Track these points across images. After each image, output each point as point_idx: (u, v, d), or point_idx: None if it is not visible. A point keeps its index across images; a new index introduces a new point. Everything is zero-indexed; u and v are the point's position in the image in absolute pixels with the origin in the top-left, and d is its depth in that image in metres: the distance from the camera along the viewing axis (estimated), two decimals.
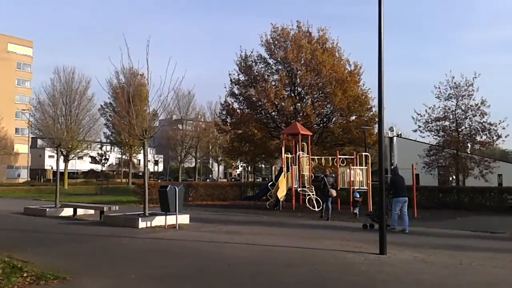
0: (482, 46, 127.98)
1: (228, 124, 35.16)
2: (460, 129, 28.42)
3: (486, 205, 23.32)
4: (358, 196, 17.53)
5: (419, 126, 29.59)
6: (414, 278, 7.43)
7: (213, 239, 11.70)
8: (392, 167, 17.29)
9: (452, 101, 28.55)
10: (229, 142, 39.83)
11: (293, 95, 32.73)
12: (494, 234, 13.93)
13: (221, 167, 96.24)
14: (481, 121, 28.00)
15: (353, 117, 32.74)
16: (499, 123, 27.53)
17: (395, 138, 44.20)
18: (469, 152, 30.27)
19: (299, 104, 32.66)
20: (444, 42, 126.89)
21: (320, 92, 33.11)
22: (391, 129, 46.69)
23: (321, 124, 34.53)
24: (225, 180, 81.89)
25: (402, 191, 13.96)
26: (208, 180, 76.35)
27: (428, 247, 10.58)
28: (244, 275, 7.67)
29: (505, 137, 27.99)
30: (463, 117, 28.29)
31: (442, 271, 7.91)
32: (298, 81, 32.53)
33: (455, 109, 28.39)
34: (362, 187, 20.78)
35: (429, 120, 29.12)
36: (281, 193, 21.98)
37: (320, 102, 33.29)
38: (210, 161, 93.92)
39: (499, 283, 7.14)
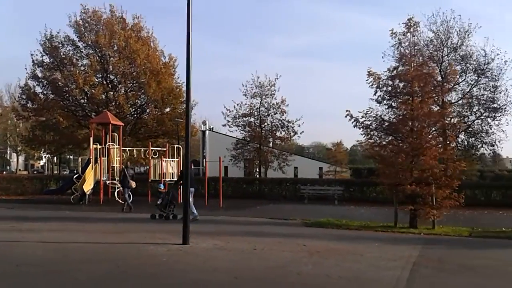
0: (283, 51, 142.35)
1: (29, 110, 31.46)
2: (263, 125, 31.09)
3: (283, 194, 26.15)
4: (163, 188, 17.72)
5: (228, 121, 31.43)
6: (211, 264, 7.86)
7: (3, 238, 10.38)
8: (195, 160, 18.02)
9: (257, 99, 31.04)
10: (29, 130, 35.68)
11: (105, 82, 31.04)
12: (287, 221, 15.69)
13: (21, 158, 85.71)
14: (281, 119, 31.08)
15: (167, 109, 32.78)
16: (296, 121, 31.01)
17: (207, 131, 46.30)
18: (270, 146, 33.38)
19: (111, 93, 31.16)
20: (253, 44, 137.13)
21: (134, 82, 32.20)
22: (204, 122, 48.58)
23: (135, 115, 33.69)
24: (25, 172, 73.28)
25: (191, 182, 14.31)
26: (4, 173, 67.27)
27: (228, 235, 11.34)
28: (35, 275, 7.01)
29: (300, 133, 31.71)
30: (266, 114, 30.98)
31: (237, 257, 8.57)
32: (111, 69, 30.97)
33: (259, 107, 30.95)
34: (173, 179, 21.01)
35: (237, 116, 31.15)
36: (88, 186, 20.75)
37: (134, 92, 32.38)
38: (8, 151, 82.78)
39: (286, 265, 8.03)
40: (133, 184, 18.36)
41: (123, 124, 25.36)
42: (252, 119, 31.22)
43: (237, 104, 31.21)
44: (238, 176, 31.06)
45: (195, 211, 14.62)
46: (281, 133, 31.56)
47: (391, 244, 10.97)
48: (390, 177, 14.46)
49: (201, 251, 9.01)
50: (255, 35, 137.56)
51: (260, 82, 30.93)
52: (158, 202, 15.43)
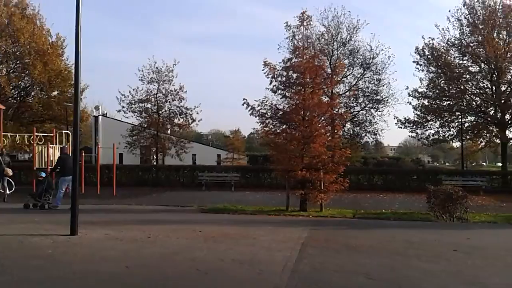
0: (182, 37, 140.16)
1: None
2: (160, 112, 30.39)
3: (180, 181, 25.96)
4: (44, 176, 16.57)
5: (123, 107, 30.17)
6: (101, 255, 7.58)
7: None
8: (61, 146, 17.17)
9: (154, 85, 30.18)
10: None
11: None
12: (183, 208, 15.65)
13: None
14: (179, 105, 30.59)
15: (55, 93, 30.55)
16: (194, 108, 30.78)
17: (100, 117, 43.97)
18: (168, 133, 32.79)
19: None
20: (150, 27, 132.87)
21: (18, 62, 29.61)
22: (96, 108, 46.02)
23: (18, 98, 30.99)
24: None
25: (68, 170, 13.24)
26: None
27: (121, 224, 10.98)
28: None
29: (199, 121, 31.53)
30: (164, 100, 30.29)
31: (129, 246, 8.36)
32: None
33: (157, 93, 30.15)
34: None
35: (133, 101, 30.03)
36: None
37: (17, 74, 29.75)
38: None
39: (180, 251, 8.02)
40: (10, 172, 17.03)
41: (4, 108, 23.13)
42: (149, 105, 30.34)
43: (133, 89, 30.10)
44: (133, 164, 30.13)
45: (59, 201, 13.95)
46: (179, 120, 31.16)
47: (282, 226, 11.52)
48: (283, 164, 15.13)
49: (90, 242, 8.63)
50: (153, 18, 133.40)
51: (157, 68, 30.14)
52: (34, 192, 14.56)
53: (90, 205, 14.78)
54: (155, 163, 31.72)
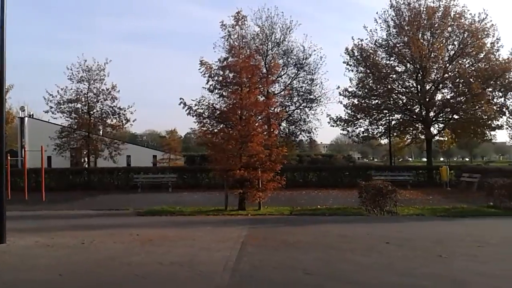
0: (114, 35, 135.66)
1: None
2: (92, 112, 29.19)
3: (114, 184, 25.13)
4: None
5: (51, 107, 28.67)
6: (32, 263, 7.19)
7: None
8: None
9: (84, 84, 28.91)
10: None
11: None
12: (119, 211, 15.16)
13: None
14: (112, 105, 29.57)
15: None
16: (128, 108, 29.88)
17: (26, 118, 41.45)
18: (100, 134, 31.58)
19: None
20: (83, 26, 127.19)
21: None
22: (22, 108, 43.36)
23: None
24: None
25: None
26: None
27: (52, 230, 10.45)
28: None
29: (133, 121, 30.66)
30: (95, 100, 29.12)
31: (62, 253, 7.98)
32: None
33: (87, 92, 28.92)
34: None
35: (61, 101, 28.60)
36: None
37: None
38: None
39: (116, 256, 7.75)
40: None
41: None
42: (79, 105, 29.04)
43: (62, 89, 28.68)
44: (63, 167, 28.71)
45: None
46: (112, 120, 30.10)
47: (221, 226, 11.53)
48: (221, 163, 15.12)
49: (20, 250, 8.15)
50: (86, 15, 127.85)
51: (87, 66, 28.92)
52: None
53: (17, 212, 13.94)
54: (86, 166, 30.45)
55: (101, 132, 31.86)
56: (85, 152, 30.89)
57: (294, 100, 32.25)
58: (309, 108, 32.52)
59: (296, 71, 32.10)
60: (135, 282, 6.18)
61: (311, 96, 32.26)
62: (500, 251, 8.32)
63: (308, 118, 32.66)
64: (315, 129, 33.23)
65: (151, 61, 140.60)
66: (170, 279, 6.37)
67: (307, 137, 34.46)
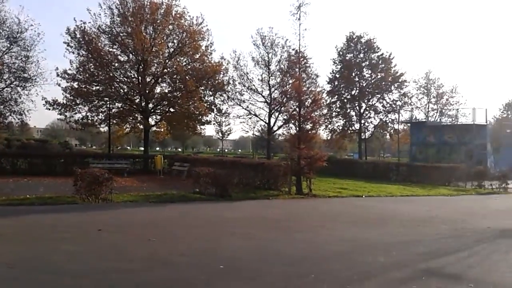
0: None
1: None
2: None
3: None
4: None
5: None
6: None
7: None
8: None
9: None
10: None
11: None
12: None
13: None
14: None
15: None
16: None
17: None
18: None
19: None
20: None
21: None
22: None
23: None
24: None
25: None
26: None
27: None
28: None
29: None
30: None
31: None
32: None
33: None
34: None
35: None
36: None
37: None
38: None
39: None
40: None
41: None
42: None
43: None
44: None
45: None
46: None
47: None
48: None
49: None
50: None
51: None
52: None
53: None
54: None
55: None
56: None
57: (5, 77, 28.46)
58: (22, 88, 29.29)
59: (9, 45, 28.36)
60: None
61: (25, 75, 29.14)
62: (203, 232, 9.58)
63: (20, 98, 29.45)
64: (28, 111, 30.18)
65: None
66: None
67: (18, 119, 30.92)
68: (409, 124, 46.60)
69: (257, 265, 6.75)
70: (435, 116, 47.51)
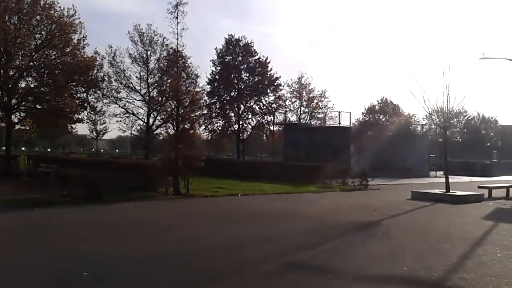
0: None
1: None
2: None
3: None
4: None
5: None
6: None
7: None
8: None
9: None
10: None
11: None
12: None
13: None
14: None
15: None
16: None
17: None
18: None
19: None
20: None
21: None
22: None
23: None
24: None
25: None
26: None
27: None
28: None
29: None
30: None
31: None
32: None
33: None
34: None
35: None
36: None
37: None
38: None
39: None
40: None
41: None
42: None
43: None
44: None
45: None
46: None
47: None
48: None
49: None
50: None
51: None
52: None
53: None
54: None
55: None
56: None
57: None
58: None
59: None
60: None
61: None
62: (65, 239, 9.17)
63: None
64: None
65: None
66: None
67: None
68: (283, 126, 49.14)
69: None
70: (306, 119, 50.79)
